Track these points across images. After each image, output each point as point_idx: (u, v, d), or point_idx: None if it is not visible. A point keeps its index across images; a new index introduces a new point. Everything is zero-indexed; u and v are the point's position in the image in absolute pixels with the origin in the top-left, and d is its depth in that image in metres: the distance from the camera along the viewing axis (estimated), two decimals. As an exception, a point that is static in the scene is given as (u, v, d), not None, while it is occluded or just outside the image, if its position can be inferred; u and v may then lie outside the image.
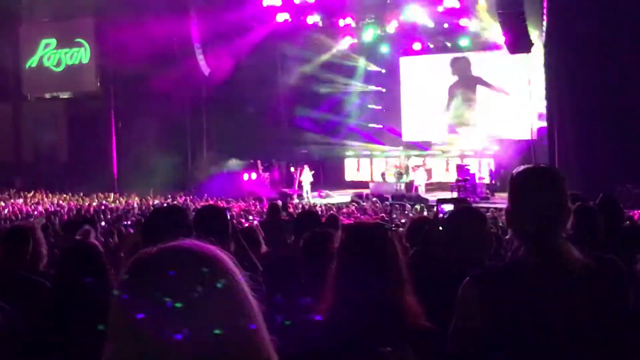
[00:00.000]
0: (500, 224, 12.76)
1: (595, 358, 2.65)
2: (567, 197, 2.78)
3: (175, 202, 22.70)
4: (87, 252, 4.28)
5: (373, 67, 34.05)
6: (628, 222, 8.62)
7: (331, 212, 15.79)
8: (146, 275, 1.57)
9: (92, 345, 1.65)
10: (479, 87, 32.07)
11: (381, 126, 34.24)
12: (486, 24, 28.33)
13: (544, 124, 26.70)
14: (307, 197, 29.58)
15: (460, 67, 32.38)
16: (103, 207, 21.75)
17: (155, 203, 24.02)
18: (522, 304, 2.65)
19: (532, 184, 2.79)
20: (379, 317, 2.92)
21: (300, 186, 31.25)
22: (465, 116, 32.01)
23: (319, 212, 14.18)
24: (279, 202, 16.60)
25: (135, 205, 23.76)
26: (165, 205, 16.88)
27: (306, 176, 31.03)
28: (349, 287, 3.03)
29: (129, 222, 15.62)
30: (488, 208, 19.53)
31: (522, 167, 2.88)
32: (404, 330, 2.96)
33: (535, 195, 2.76)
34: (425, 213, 17.76)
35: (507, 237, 7.37)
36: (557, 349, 2.62)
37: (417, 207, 22.41)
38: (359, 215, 19.94)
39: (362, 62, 33.97)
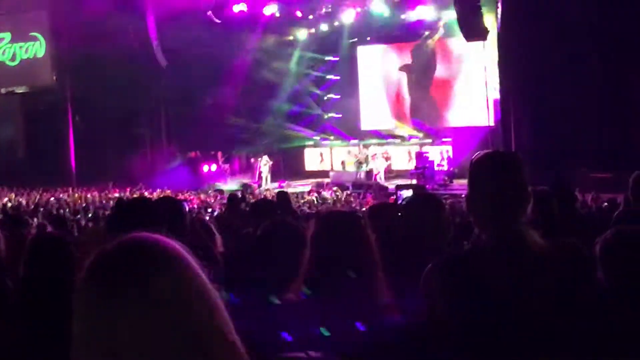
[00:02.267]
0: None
1: (559, 341, 2.66)
2: (526, 182, 2.77)
3: (137, 195, 22.53)
4: (56, 245, 4.18)
5: (331, 57, 34.07)
6: (580, 205, 8.72)
7: (281, 190, 15.73)
8: (104, 274, 1.55)
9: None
10: (435, 76, 32.25)
11: (340, 115, 34.30)
12: (443, 12, 28.47)
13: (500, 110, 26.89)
14: (266, 186, 29.66)
15: (418, 55, 32.50)
16: (54, 201, 21.55)
17: (114, 196, 23.81)
18: (484, 290, 2.64)
19: (491, 170, 2.79)
20: (354, 304, 2.92)
21: (260, 177, 31.24)
22: (422, 104, 32.17)
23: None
24: (239, 194, 16.57)
25: (96, 199, 23.59)
26: (129, 197, 16.76)
27: (265, 166, 31.10)
28: (325, 275, 3.02)
29: (89, 216, 15.52)
30: (447, 195, 19.69)
31: (481, 153, 2.87)
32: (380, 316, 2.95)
33: (495, 180, 2.75)
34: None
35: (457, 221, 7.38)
36: (520, 333, 2.61)
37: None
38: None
39: (319, 52, 33.97)
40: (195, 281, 1.59)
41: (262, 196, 22.83)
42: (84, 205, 20.27)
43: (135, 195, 22.37)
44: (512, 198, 2.74)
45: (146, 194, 24.59)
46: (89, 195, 24.99)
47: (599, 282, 3.79)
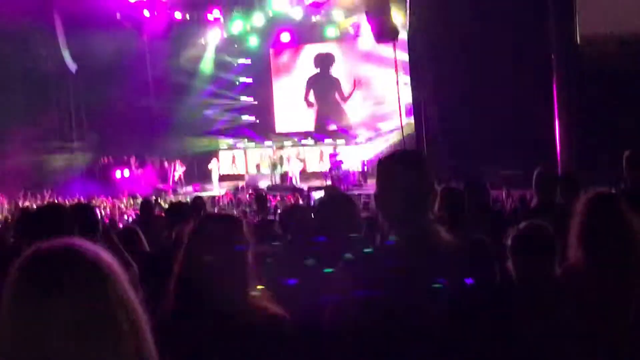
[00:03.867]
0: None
1: (465, 336, 2.72)
2: (431, 179, 2.85)
3: (48, 202, 22.06)
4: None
5: (243, 60, 34.02)
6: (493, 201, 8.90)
7: (196, 195, 15.57)
8: (28, 278, 1.56)
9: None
10: (347, 77, 32.49)
11: (254, 118, 34.26)
12: (353, 13, 28.70)
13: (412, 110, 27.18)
14: (181, 190, 29.55)
15: (329, 57, 32.72)
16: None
17: (25, 204, 23.27)
18: (393, 286, 2.67)
19: (397, 168, 2.85)
20: (225, 312, 2.93)
21: (174, 181, 31.01)
22: (334, 106, 32.37)
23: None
24: (152, 199, 16.38)
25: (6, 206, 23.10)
26: (39, 205, 16.41)
27: (179, 171, 31.00)
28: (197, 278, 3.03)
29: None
30: (363, 194, 19.87)
31: (388, 152, 2.95)
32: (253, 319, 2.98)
33: (401, 178, 2.81)
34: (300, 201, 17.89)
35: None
36: (428, 328, 2.67)
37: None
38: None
39: (232, 56, 33.89)
40: (117, 286, 1.61)
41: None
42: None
43: (45, 203, 21.94)
44: (418, 195, 2.80)
45: (56, 200, 24.13)
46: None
47: (508, 273, 3.93)
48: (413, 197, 2.79)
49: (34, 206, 21.02)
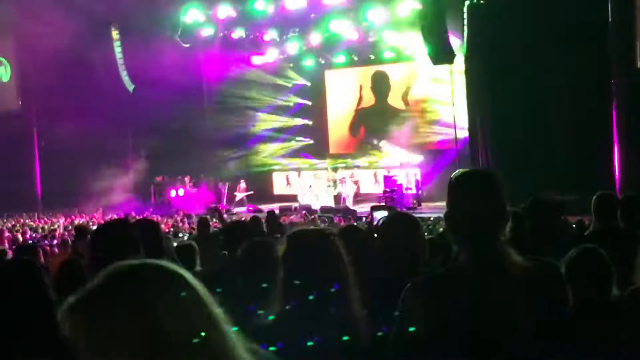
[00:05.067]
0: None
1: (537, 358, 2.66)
2: (505, 201, 2.77)
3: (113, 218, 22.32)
4: (26, 269, 4.09)
5: (299, 81, 34.20)
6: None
7: (255, 215, 15.59)
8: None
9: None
10: (402, 98, 32.46)
11: (309, 139, 34.35)
12: (409, 36, 28.65)
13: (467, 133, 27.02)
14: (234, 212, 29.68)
15: (383, 78, 32.76)
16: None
17: (81, 222, 23.59)
18: (464, 310, 2.63)
19: (471, 188, 2.79)
20: (327, 323, 2.90)
21: (229, 201, 31.23)
22: (387, 129, 32.30)
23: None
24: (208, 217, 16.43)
25: (61, 224, 23.36)
26: (107, 221, 16.59)
27: (242, 193, 31.32)
28: (297, 292, 2.99)
29: (55, 242, 15.35)
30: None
31: (460, 171, 2.88)
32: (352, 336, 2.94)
33: (474, 199, 2.75)
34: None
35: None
36: (498, 352, 2.62)
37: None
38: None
39: (287, 76, 34.10)
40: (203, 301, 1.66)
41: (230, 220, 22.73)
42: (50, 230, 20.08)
43: (112, 219, 22.19)
44: (491, 217, 2.75)
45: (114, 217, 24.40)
46: (54, 221, 24.76)
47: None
48: (486, 220, 2.73)
49: (91, 224, 21.36)
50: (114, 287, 1.59)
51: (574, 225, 12.57)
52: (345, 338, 2.88)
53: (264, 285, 3.37)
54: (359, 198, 30.36)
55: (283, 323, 2.95)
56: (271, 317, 2.99)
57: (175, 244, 9.43)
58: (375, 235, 4.85)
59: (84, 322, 1.55)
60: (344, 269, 3.11)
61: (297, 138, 34.59)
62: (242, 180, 32.01)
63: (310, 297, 2.93)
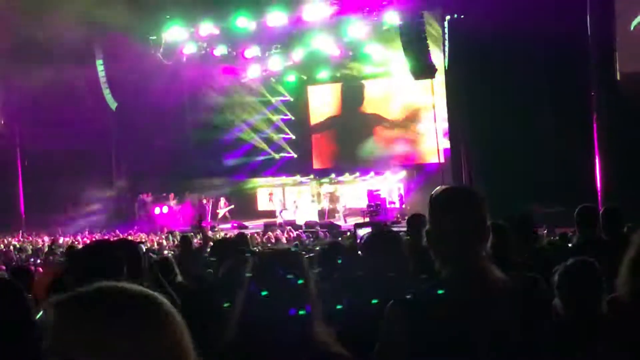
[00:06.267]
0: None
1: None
2: (486, 217, 2.80)
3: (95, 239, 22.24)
4: (7, 289, 4.10)
5: (282, 97, 34.28)
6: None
7: (240, 232, 15.50)
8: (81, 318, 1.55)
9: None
10: (382, 114, 32.60)
11: (292, 154, 34.38)
12: (391, 51, 28.77)
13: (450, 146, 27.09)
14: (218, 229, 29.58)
15: (366, 94, 32.91)
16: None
17: (65, 241, 23.48)
18: (448, 326, 2.64)
19: (452, 204, 2.81)
20: (288, 342, 2.86)
21: (214, 218, 31.18)
22: (370, 143, 32.39)
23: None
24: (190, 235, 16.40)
25: (45, 243, 23.25)
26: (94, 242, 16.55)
27: (223, 209, 31.26)
28: (258, 312, 2.94)
29: (39, 261, 15.29)
30: (401, 232, 19.69)
31: (441, 188, 2.89)
32: (315, 356, 2.90)
33: (456, 215, 2.76)
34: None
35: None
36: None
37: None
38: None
39: (270, 92, 34.18)
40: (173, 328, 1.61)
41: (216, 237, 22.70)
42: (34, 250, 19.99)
43: (96, 240, 22.09)
44: (472, 233, 2.76)
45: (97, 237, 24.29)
46: (38, 240, 24.64)
47: (556, 310, 3.89)
48: (467, 236, 2.75)
49: (75, 242, 21.26)
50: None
51: (557, 237, 12.68)
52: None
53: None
54: (345, 212, 30.35)
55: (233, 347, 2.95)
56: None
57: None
58: (360, 253, 4.87)
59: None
60: (310, 294, 3.03)
61: (281, 154, 34.60)
62: (221, 197, 31.99)
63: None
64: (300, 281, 2.94)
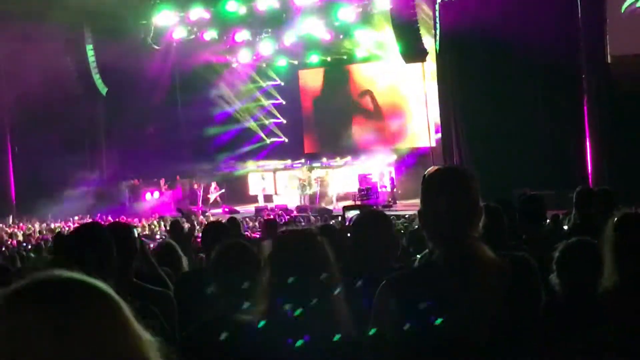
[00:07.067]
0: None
1: (510, 353, 2.68)
2: (478, 197, 2.79)
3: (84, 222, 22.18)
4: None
5: (272, 82, 34.21)
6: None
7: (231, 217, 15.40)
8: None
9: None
10: (375, 98, 32.56)
11: (283, 139, 34.36)
12: (382, 35, 28.72)
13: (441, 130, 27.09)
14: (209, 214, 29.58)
15: (356, 78, 32.85)
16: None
17: (56, 226, 23.46)
18: (438, 305, 2.63)
19: (444, 185, 2.79)
20: (316, 322, 2.86)
21: (204, 203, 31.17)
22: (362, 127, 32.39)
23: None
24: (181, 220, 16.39)
25: (36, 229, 23.25)
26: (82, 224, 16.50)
27: (214, 194, 31.26)
28: (285, 293, 2.94)
29: (30, 247, 15.29)
30: (392, 216, 19.73)
31: (434, 168, 2.88)
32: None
33: (447, 195, 2.75)
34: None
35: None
36: (474, 347, 2.64)
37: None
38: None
39: (261, 76, 34.10)
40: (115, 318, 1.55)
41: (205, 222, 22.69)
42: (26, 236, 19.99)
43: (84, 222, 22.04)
44: (464, 214, 2.75)
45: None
46: (29, 226, 24.61)
47: (553, 288, 3.91)
48: (459, 216, 2.74)
49: (66, 228, 21.24)
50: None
51: (548, 220, 12.70)
52: (337, 338, 2.85)
53: (244, 286, 3.34)
54: (337, 197, 30.36)
55: (274, 324, 2.89)
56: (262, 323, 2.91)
57: (151, 245, 9.42)
58: (349, 234, 4.87)
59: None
60: (331, 267, 3.03)
61: (272, 138, 34.58)
62: (212, 182, 32.01)
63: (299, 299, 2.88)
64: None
